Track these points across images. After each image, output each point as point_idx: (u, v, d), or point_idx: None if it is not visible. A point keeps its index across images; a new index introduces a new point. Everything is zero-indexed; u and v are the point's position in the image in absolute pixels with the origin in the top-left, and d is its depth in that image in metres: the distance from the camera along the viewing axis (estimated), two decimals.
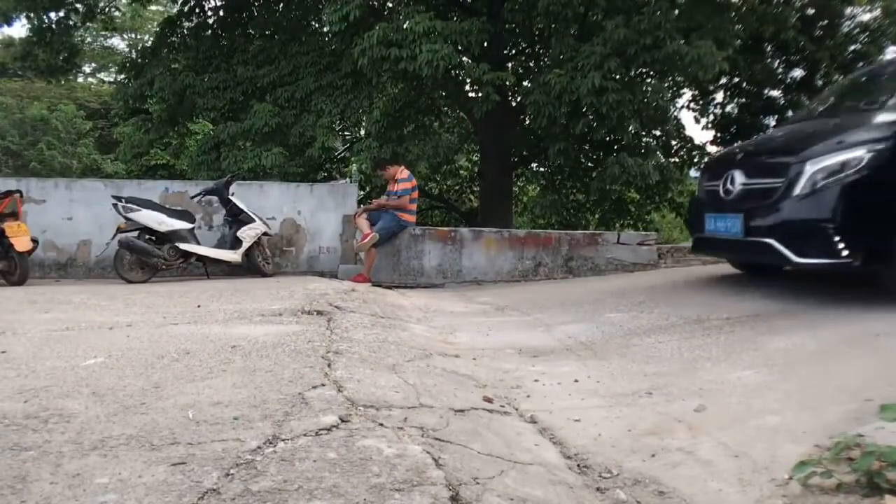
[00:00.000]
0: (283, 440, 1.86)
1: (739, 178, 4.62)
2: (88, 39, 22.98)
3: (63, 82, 19.70)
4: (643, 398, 2.71)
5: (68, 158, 22.30)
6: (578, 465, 2.11)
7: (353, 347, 3.14)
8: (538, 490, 1.80)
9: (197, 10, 13.21)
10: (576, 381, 3.00)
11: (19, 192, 6.91)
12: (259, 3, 12.99)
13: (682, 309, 4.31)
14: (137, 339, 3.20)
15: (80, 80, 26.36)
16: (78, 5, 12.42)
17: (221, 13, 13.24)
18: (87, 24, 14.25)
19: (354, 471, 1.68)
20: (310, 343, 3.12)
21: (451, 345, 3.77)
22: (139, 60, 13.41)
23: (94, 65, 27.02)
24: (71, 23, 12.60)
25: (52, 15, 12.22)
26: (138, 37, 24.84)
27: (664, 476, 2.00)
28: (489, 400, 2.66)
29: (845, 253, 3.83)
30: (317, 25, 12.80)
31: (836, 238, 3.85)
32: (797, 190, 4.07)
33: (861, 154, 3.90)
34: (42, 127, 22.46)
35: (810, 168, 4.04)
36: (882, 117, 4.34)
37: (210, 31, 12.88)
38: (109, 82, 24.31)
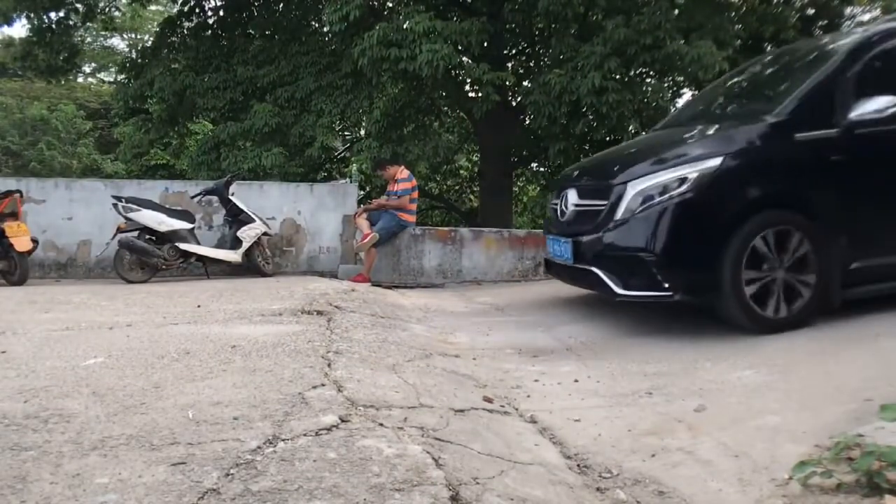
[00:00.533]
0: (283, 440, 1.86)
1: (572, 198, 4.23)
2: (88, 39, 22.94)
3: (63, 82, 19.65)
4: (643, 398, 2.71)
5: (68, 158, 22.29)
6: (578, 465, 2.11)
7: (353, 347, 3.14)
8: (538, 490, 1.80)
9: (197, 10, 13.20)
10: (576, 381, 3.00)
11: (19, 192, 6.91)
12: (259, 3, 12.99)
13: (682, 306, 4.31)
14: (137, 339, 3.20)
15: (80, 80, 26.33)
16: (78, 5, 12.41)
17: (221, 13, 13.23)
18: (87, 24, 14.25)
19: (354, 471, 1.68)
20: (310, 343, 3.12)
21: (451, 345, 3.77)
22: (139, 60, 13.40)
23: (94, 65, 26.99)
24: (71, 23, 12.59)
25: (52, 15, 12.21)
26: (138, 37, 24.81)
27: (664, 476, 2.00)
28: (489, 400, 2.66)
29: (666, 285, 3.52)
30: (317, 25, 12.80)
31: (655, 269, 3.54)
32: (618, 214, 3.72)
33: (684, 174, 3.54)
34: (42, 127, 22.45)
35: (631, 190, 3.69)
36: (718, 131, 3.98)
37: (210, 31, 12.88)
38: (109, 82, 24.30)
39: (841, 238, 3.60)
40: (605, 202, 3.85)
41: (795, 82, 3.90)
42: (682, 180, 3.54)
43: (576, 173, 4.56)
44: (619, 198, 3.74)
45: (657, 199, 3.58)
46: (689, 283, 3.55)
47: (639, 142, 4.76)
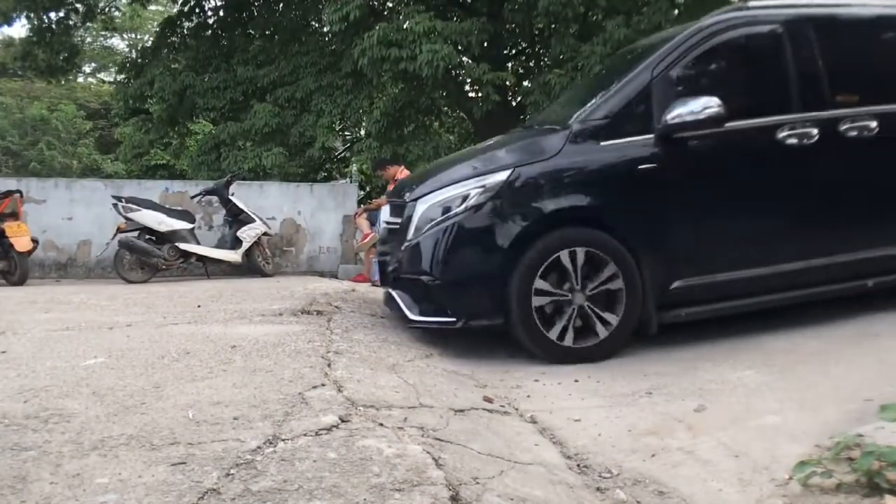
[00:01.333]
0: (283, 440, 1.86)
1: (385, 215, 3.94)
2: (88, 39, 22.95)
3: (63, 82, 19.68)
4: (643, 398, 2.71)
5: (68, 158, 22.30)
6: (578, 465, 2.11)
7: (354, 347, 3.13)
8: (538, 490, 1.80)
9: (197, 10, 13.21)
10: (576, 381, 3.00)
11: (19, 192, 6.92)
12: (259, 3, 13.00)
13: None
14: (137, 339, 3.20)
15: (80, 80, 26.33)
16: (78, 5, 12.42)
17: (221, 13, 13.25)
18: (87, 24, 14.27)
19: (354, 471, 1.68)
20: (310, 343, 3.11)
21: (451, 344, 3.76)
22: (139, 60, 13.43)
23: (94, 65, 27.00)
24: (71, 23, 12.60)
25: (52, 15, 12.23)
26: (138, 37, 24.82)
27: (664, 476, 2.00)
28: (489, 400, 2.65)
29: (448, 311, 3.26)
30: (317, 25, 12.81)
31: (436, 294, 3.30)
32: (410, 234, 3.42)
33: (467, 190, 3.24)
34: (42, 127, 22.45)
35: (421, 207, 3.39)
36: (518, 141, 3.68)
37: (210, 31, 12.89)
38: (109, 82, 24.30)
39: (657, 256, 3.26)
40: (400, 220, 3.58)
41: (613, 82, 3.53)
42: (465, 197, 3.23)
43: (394, 188, 4.19)
44: (411, 215, 3.44)
45: (440, 218, 3.28)
46: (472, 310, 3.25)
47: (461, 152, 4.42)
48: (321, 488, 1.57)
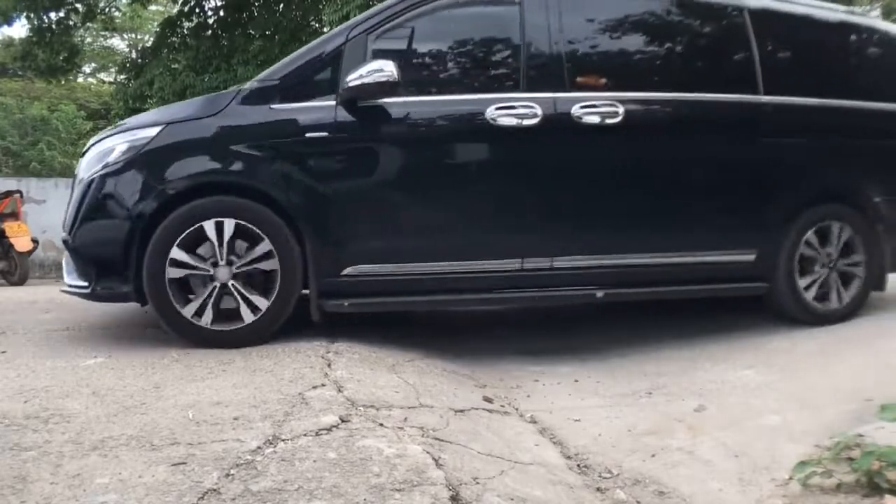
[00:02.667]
0: (283, 440, 1.86)
1: None
2: (88, 39, 22.94)
3: (63, 82, 19.69)
4: (643, 398, 2.71)
5: (68, 158, 22.28)
6: (578, 465, 2.11)
7: (353, 347, 3.13)
8: (538, 490, 1.80)
9: (197, 11, 13.22)
10: (576, 380, 3.00)
11: (19, 192, 6.93)
12: (259, 3, 13.00)
13: (680, 304, 4.31)
14: (138, 339, 3.20)
15: (80, 80, 26.33)
16: (78, 5, 12.44)
17: (221, 13, 13.25)
18: (87, 24, 14.28)
19: (354, 471, 1.68)
20: (310, 342, 3.11)
21: (451, 344, 3.77)
22: (139, 60, 13.46)
23: (94, 65, 26.99)
24: (71, 23, 12.62)
25: (52, 15, 12.25)
26: (138, 37, 24.83)
27: (664, 476, 2.00)
28: (489, 400, 2.66)
29: (83, 275, 2.98)
30: (317, 25, 12.81)
31: (73, 255, 3.01)
32: (74, 190, 3.10)
33: (113, 144, 2.95)
34: (42, 127, 22.45)
35: (84, 161, 3.08)
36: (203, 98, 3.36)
37: (210, 31, 12.90)
38: (109, 82, 24.29)
39: (324, 237, 2.95)
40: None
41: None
42: (109, 151, 2.93)
43: None
44: (79, 168, 3.16)
45: (88, 174, 2.98)
46: (102, 275, 2.93)
47: None
48: (321, 488, 1.57)
